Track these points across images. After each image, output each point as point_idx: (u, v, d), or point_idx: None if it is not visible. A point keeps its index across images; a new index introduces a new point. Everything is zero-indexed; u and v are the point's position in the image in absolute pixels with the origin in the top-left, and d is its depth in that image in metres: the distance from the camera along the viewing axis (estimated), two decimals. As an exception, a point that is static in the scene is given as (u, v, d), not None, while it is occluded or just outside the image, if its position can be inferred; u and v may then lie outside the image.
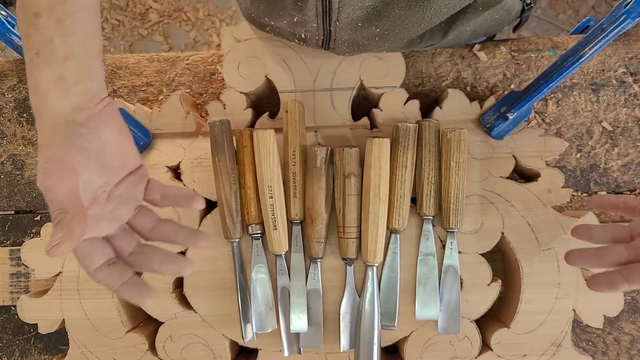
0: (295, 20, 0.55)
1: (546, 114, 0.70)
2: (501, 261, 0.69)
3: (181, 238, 0.50)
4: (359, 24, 0.55)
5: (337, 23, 0.54)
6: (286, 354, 0.62)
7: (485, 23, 0.62)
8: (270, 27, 0.59)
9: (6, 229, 0.71)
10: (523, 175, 0.68)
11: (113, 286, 0.46)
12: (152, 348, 0.65)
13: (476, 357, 0.63)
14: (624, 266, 0.49)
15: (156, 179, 0.52)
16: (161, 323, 0.64)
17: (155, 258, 0.49)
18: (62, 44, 0.43)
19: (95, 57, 0.46)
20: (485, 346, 0.64)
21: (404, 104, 0.65)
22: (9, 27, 0.66)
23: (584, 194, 0.69)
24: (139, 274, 0.50)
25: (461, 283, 0.62)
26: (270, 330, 0.62)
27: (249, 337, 0.62)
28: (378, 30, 0.55)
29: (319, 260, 0.62)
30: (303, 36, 0.58)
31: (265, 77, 0.65)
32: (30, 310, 0.64)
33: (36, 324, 0.64)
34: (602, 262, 0.51)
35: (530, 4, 0.64)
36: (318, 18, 0.54)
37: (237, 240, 0.62)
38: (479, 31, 0.63)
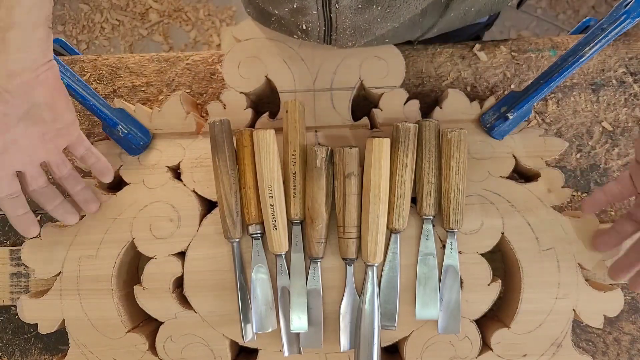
0: (295, 6, 0.55)
1: (546, 114, 0.70)
2: (501, 261, 0.69)
3: (78, 197, 0.60)
4: (359, 6, 0.54)
5: (337, 6, 0.53)
6: (286, 354, 0.62)
7: None
8: (275, 16, 0.59)
9: (6, 229, 0.71)
10: (523, 175, 0.68)
11: (9, 214, 0.56)
12: (152, 348, 0.65)
13: (476, 357, 0.63)
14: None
15: (85, 140, 0.59)
16: (161, 323, 0.64)
17: (51, 202, 0.59)
18: (5, 12, 0.47)
19: (42, 26, 0.49)
20: (485, 346, 0.64)
21: (404, 104, 0.65)
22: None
23: (584, 194, 0.69)
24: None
25: (461, 283, 0.62)
26: (270, 330, 0.62)
27: (249, 337, 0.62)
28: (379, 8, 0.54)
29: (319, 260, 0.62)
30: (304, 27, 0.57)
31: (265, 77, 0.65)
32: (30, 310, 0.64)
33: (36, 324, 0.64)
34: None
35: None
36: (317, 3, 0.54)
37: (237, 240, 0.62)
38: (483, 8, 0.61)
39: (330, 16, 0.55)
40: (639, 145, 0.52)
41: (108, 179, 0.60)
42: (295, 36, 0.60)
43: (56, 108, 0.54)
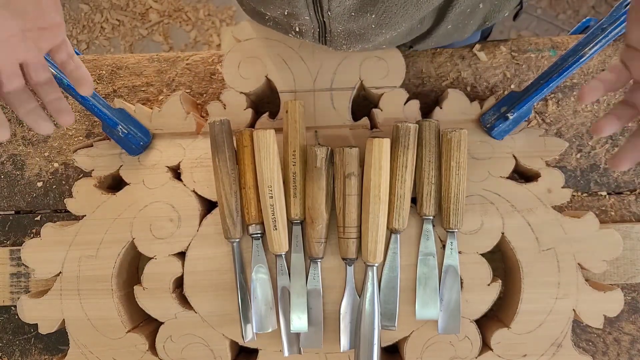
0: (286, 12, 0.54)
1: (546, 114, 0.70)
2: (501, 261, 0.69)
3: (48, 104, 0.54)
4: (353, 14, 0.53)
5: (330, 13, 0.53)
6: (286, 354, 0.62)
7: (485, 8, 0.60)
8: (269, 17, 0.58)
9: (6, 229, 0.71)
10: (523, 175, 0.68)
11: (19, 111, 0.52)
12: (152, 348, 0.65)
13: (476, 357, 0.63)
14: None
15: (70, 46, 0.55)
16: (161, 323, 0.64)
17: (24, 106, 0.53)
18: None
19: None
20: (486, 346, 0.64)
21: (404, 104, 0.65)
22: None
23: (584, 194, 0.69)
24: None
25: (461, 283, 0.62)
26: (270, 330, 0.62)
27: (249, 337, 0.62)
28: (374, 16, 0.53)
29: (319, 260, 0.62)
30: (298, 29, 0.57)
31: (265, 77, 0.65)
32: (30, 310, 0.64)
33: (36, 324, 0.64)
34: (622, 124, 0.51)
35: None
36: (309, 9, 0.53)
37: (237, 240, 0.62)
38: (477, 17, 0.61)
39: (323, 20, 0.55)
40: (628, 28, 0.50)
41: (87, 90, 0.54)
42: (290, 35, 0.60)
43: (42, 3, 0.50)
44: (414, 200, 0.63)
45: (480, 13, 0.61)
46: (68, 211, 0.65)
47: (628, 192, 0.70)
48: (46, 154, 0.72)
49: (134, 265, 0.70)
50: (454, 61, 0.70)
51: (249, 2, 0.59)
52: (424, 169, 0.61)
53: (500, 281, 0.64)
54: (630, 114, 0.52)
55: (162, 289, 0.64)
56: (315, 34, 0.58)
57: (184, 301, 0.65)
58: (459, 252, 0.62)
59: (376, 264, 0.61)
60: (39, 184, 0.72)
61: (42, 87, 0.54)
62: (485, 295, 0.63)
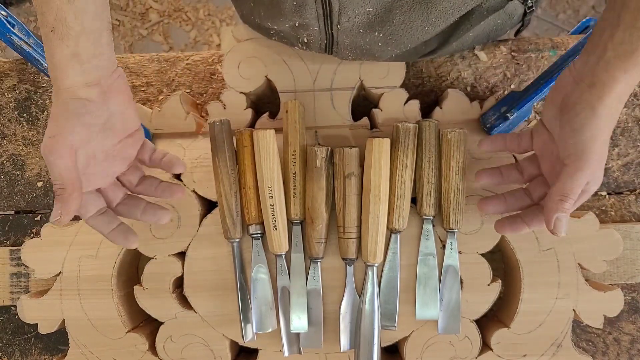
0: (296, 24, 0.55)
1: (546, 114, 0.70)
2: (501, 261, 0.69)
3: (160, 191, 0.57)
4: (361, 30, 0.55)
5: (339, 26, 0.54)
6: (286, 354, 0.62)
7: (487, 27, 0.61)
8: (275, 31, 0.59)
9: (6, 229, 0.71)
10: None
11: (104, 231, 0.54)
12: (152, 348, 0.65)
13: (476, 357, 0.63)
14: (525, 210, 0.57)
15: (149, 142, 0.58)
16: (161, 323, 0.64)
17: (138, 208, 0.56)
18: (74, 21, 0.46)
19: (106, 31, 0.49)
20: (486, 346, 0.64)
21: (404, 104, 0.65)
22: (9, 27, 0.66)
23: (584, 194, 0.69)
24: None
25: (461, 283, 0.62)
26: (270, 330, 0.62)
27: (249, 337, 0.62)
28: (381, 35, 0.55)
29: (319, 260, 0.62)
30: (305, 40, 0.58)
31: (265, 77, 0.65)
32: (30, 310, 0.64)
33: (36, 324, 0.64)
34: (508, 208, 0.58)
35: (532, 7, 0.63)
36: (319, 21, 0.54)
37: (237, 240, 0.62)
38: (481, 36, 0.63)
39: (332, 32, 0.56)
40: (545, 106, 0.54)
41: (182, 168, 0.57)
42: (296, 47, 0.61)
43: (127, 115, 0.53)
44: (414, 200, 0.63)
45: (483, 34, 0.62)
46: (68, 211, 0.65)
47: (628, 192, 0.70)
48: (46, 154, 0.72)
49: (134, 265, 0.70)
50: (454, 61, 0.70)
51: (254, 18, 0.59)
52: (424, 169, 0.61)
53: (500, 281, 0.64)
54: (514, 177, 0.58)
55: (162, 289, 0.64)
56: (322, 45, 0.59)
57: (184, 301, 0.65)
58: (459, 252, 0.62)
59: (376, 264, 0.61)
60: (39, 184, 0.72)
61: (143, 184, 0.57)
62: (485, 295, 0.63)
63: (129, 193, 0.57)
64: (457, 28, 0.58)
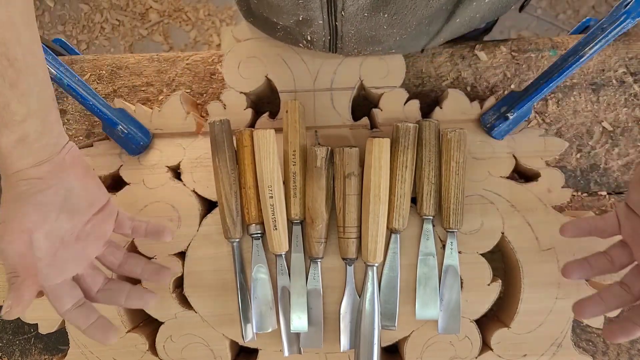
0: (300, 19, 0.55)
1: (546, 114, 0.70)
2: (501, 261, 0.69)
3: (147, 274, 0.54)
4: (365, 14, 0.54)
5: (343, 13, 0.53)
6: (286, 354, 0.62)
7: (492, 4, 0.60)
8: (281, 26, 0.59)
9: (6, 229, 0.71)
10: (523, 175, 0.68)
11: (81, 327, 0.50)
12: (152, 348, 0.65)
13: (476, 357, 0.63)
14: (633, 311, 0.49)
15: (124, 213, 0.54)
16: (161, 323, 0.64)
17: (121, 294, 0.53)
18: (18, 105, 0.43)
19: (52, 107, 0.46)
20: (486, 346, 0.64)
21: (404, 104, 0.65)
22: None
23: (584, 194, 0.69)
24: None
25: (461, 283, 0.62)
26: (270, 330, 0.62)
27: (249, 337, 0.62)
28: (386, 16, 0.54)
29: (319, 260, 0.62)
30: (309, 38, 0.58)
31: (265, 77, 0.65)
32: (30, 310, 0.64)
33: (36, 324, 0.64)
34: (607, 308, 0.51)
35: None
36: (323, 12, 0.53)
37: (237, 240, 0.62)
38: (487, 14, 0.61)
39: (335, 24, 0.55)
40: (631, 188, 0.50)
41: (169, 236, 0.55)
42: (300, 45, 0.60)
43: (89, 190, 0.50)
44: (414, 200, 0.63)
45: (490, 11, 0.61)
46: (68, 211, 0.65)
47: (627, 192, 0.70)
48: (46, 154, 0.72)
49: (134, 265, 0.70)
50: (454, 61, 0.70)
51: (262, 12, 0.59)
52: (424, 169, 0.61)
53: (500, 281, 0.64)
54: (623, 299, 0.51)
55: (162, 289, 0.63)
56: (326, 42, 0.58)
57: (184, 301, 0.65)
58: (459, 252, 0.62)
59: (376, 264, 0.61)
60: (39, 184, 0.72)
61: (127, 264, 0.54)
62: (485, 295, 0.63)
63: (110, 278, 0.54)
64: (460, 3, 0.57)
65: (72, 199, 0.48)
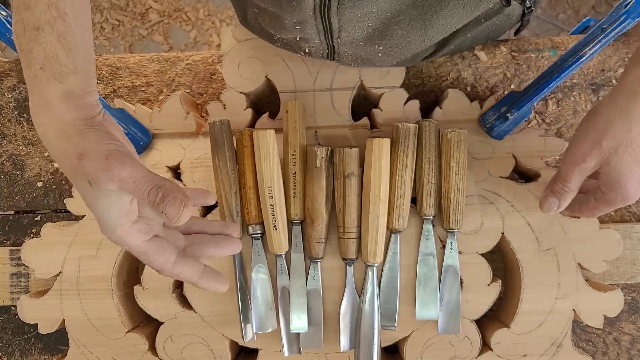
0: (298, 38, 0.56)
1: (546, 114, 0.70)
2: (501, 261, 0.69)
3: (215, 229, 0.51)
4: (361, 43, 0.55)
5: (339, 40, 0.55)
6: (286, 354, 0.62)
7: (486, 29, 0.62)
8: (278, 38, 0.59)
9: (6, 229, 0.71)
10: (523, 175, 0.68)
11: (194, 278, 0.47)
12: (152, 348, 0.65)
13: (476, 357, 0.63)
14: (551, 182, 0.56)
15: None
16: (161, 323, 0.64)
17: (210, 244, 0.50)
18: (66, 58, 0.43)
19: (94, 71, 0.47)
20: (486, 346, 0.64)
21: (404, 104, 0.65)
22: (9, 27, 0.66)
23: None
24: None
25: (461, 283, 0.62)
26: (270, 330, 0.62)
27: (249, 337, 0.62)
28: (381, 48, 0.56)
29: (319, 260, 0.62)
30: (308, 50, 0.59)
31: (265, 77, 0.65)
32: (30, 310, 0.64)
33: (36, 324, 0.64)
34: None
35: (530, 7, 0.63)
36: (320, 35, 0.55)
37: (237, 240, 0.62)
38: (480, 38, 0.63)
39: (333, 45, 0.56)
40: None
41: (213, 199, 0.54)
42: (299, 54, 0.61)
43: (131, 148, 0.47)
44: (414, 200, 0.63)
45: (482, 35, 0.62)
46: (68, 211, 0.65)
47: (628, 192, 0.70)
48: (46, 154, 0.72)
49: (134, 265, 0.70)
50: (454, 61, 0.70)
51: (259, 23, 0.59)
52: (424, 169, 0.61)
53: (500, 281, 0.64)
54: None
55: (162, 289, 0.63)
56: (324, 54, 0.59)
57: (184, 301, 0.65)
58: (459, 252, 0.62)
59: (376, 264, 0.61)
60: (39, 184, 0.72)
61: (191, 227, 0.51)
62: (485, 295, 0.63)
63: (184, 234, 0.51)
64: (454, 35, 0.59)
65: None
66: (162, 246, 0.46)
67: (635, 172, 0.50)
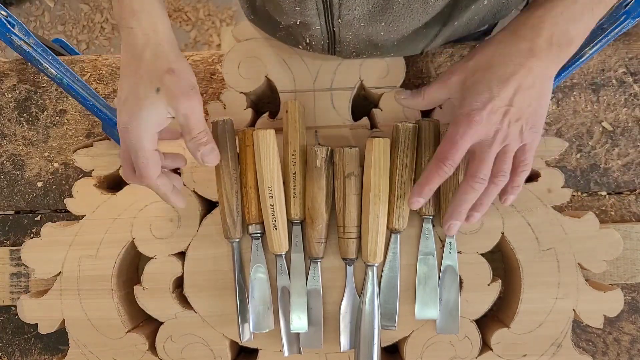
0: (298, 22, 0.55)
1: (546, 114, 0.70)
2: (501, 261, 0.69)
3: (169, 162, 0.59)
4: (362, 24, 0.55)
5: (340, 20, 0.54)
6: (286, 354, 0.62)
7: (492, 7, 0.59)
8: (283, 26, 0.59)
9: (6, 229, 0.71)
10: (523, 175, 0.67)
11: (167, 191, 0.55)
12: (152, 348, 0.65)
13: (476, 357, 0.63)
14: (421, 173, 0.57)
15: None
16: (161, 323, 0.64)
17: (179, 157, 0.59)
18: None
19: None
20: (486, 346, 0.64)
21: (404, 104, 0.64)
22: (9, 27, 0.66)
23: (584, 194, 0.70)
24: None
25: (461, 283, 0.62)
26: (267, 330, 0.62)
27: (246, 337, 0.62)
28: (383, 24, 0.55)
29: (319, 260, 0.62)
30: (308, 41, 0.58)
31: (265, 77, 0.65)
32: (30, 310, 0.64)
33: (36, 324, 0.64)
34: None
35: None
36: (320, 18, 0.54)
37: (237, 240, 0.62)
38: (487, 17, 0.61)
39: (333, 30, 0.56)
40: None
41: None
42: (300, 47, 0.61)
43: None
44: (414, 200, 0.63)
45: (489, 14, 0.60)
46: (68, 211, 0.65)
47: (628, 192, 0.70)
48: (46, 154, 0.72)
49: (134, 265, 0.70)
50: (454, 61, 0.70)
51: (267, 9, 0.59)
52: (423, 168, 0.61)
53: (500, 281, 0.64)
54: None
55: (162, 289, 0.64)
56: (324, 46, 0.59)
57: (184, 301, 0.65)
58: (459, 252, 0.62)
59: (376, 264, 0.61)
60: (39, 184, 0.72)
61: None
62: (485, 295, 0.63)
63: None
64: (455, 5, 0.57)
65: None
66: (159, 160, 0.53)
67: (484, 94, 0.52)
